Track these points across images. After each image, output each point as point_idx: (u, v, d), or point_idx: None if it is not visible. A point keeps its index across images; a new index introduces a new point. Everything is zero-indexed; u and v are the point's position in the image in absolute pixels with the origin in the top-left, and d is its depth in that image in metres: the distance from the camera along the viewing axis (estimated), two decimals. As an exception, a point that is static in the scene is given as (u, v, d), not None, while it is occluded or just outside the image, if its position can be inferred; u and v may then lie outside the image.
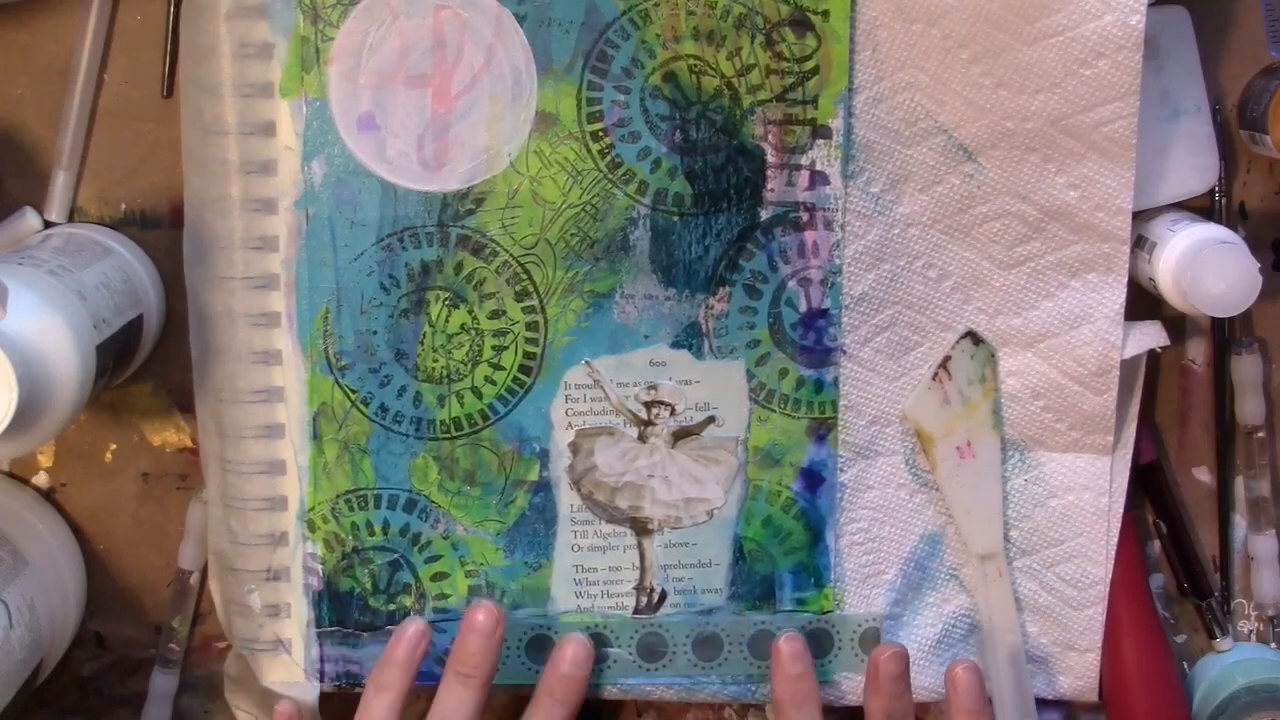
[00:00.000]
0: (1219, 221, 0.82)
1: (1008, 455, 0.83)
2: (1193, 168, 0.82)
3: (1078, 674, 0.84)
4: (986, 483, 0.83)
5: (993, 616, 0.84)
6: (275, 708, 0.80)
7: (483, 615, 0.79)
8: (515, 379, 0.81)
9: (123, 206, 0.83)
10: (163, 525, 0.86)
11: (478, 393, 0.81)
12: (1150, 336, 0.81)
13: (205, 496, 0.83)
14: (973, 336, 0.82)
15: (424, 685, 0.82)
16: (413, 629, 0.79)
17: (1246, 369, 0.84)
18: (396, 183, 0.79)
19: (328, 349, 0.80)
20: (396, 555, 0.82)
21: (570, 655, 0.81)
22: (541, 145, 0.79)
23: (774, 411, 0.81)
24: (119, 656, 0.87)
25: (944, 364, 0.82)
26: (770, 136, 0.79)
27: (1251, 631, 0.87)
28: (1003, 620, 0.84)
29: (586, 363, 0.81)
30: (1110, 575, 0.83)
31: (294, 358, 0.80)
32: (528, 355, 0.81)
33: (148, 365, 0.84)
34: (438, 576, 0.82)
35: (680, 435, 0.82)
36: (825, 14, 0.77)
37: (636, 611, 0.83)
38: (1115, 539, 0.83)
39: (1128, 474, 0.83)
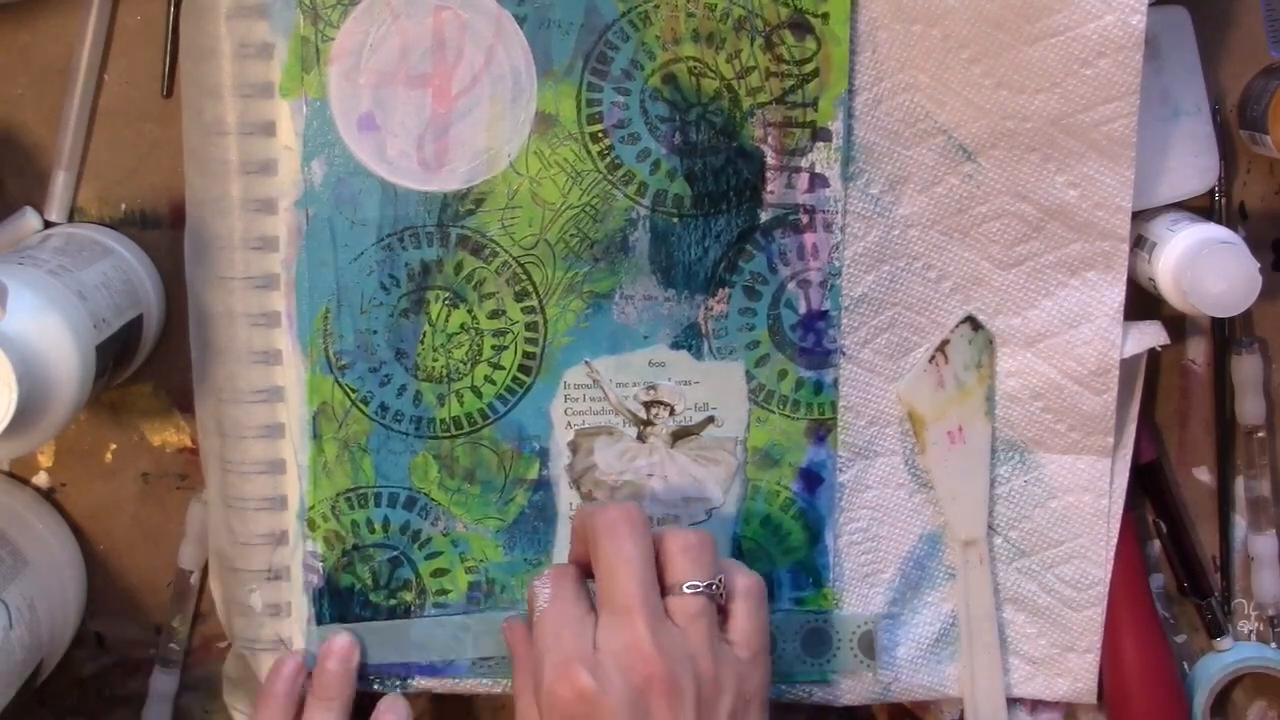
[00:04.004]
0: (1219, 221, 0.82)
1: (1007, 456, 0.83)
2: (1193, 168, 0.82)
3: (1076, 675, 0.84)
4: (975, 469, 0.83)
5: (971, 603, 0.84)
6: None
7: (340, 642, 0.81)
8: (515, 378, 0.81)
9: (123, 206, 0.84)
10: (163, 525, 0.86)
11: (477, 392, 0.81)
12: (1150, 335, 0.81)
13: (205, 496, 0.83)
14: (972, 322, 0.82)
15: (434, 679, 0.83)
16: (291, 663, 0.81)
17: (1246, 369, 0.84)
18: (396, 183, 0.79)
19: (328, 348, 0.80)
20: (397, 552, 0.82)
21: (337, 650, 0.81)
22: (541, 146, 0.79)
23: (773, 412, 0.81)
24: (119, 656, 0.87)
25: (941, 348, 0.82)
26: (770, 139, 0.79)
27: (1251, 631, 0.87)
28: (981, 608, 0.84)
29: (586, 363, 0.81)
30: (1110, 576, 0.83)
31: (294, 357, 0.80)
32: (527, 355, 0.81)
33: (148, 365, 0.84)
34: (438, 573, 0.82)
35: (679, 435, 0.82)
36: (825, 16, 0.77)
37: (636, 611, 0.83)
38: (1115, 540, 0.83)
39: (1128, 474, 0.83)
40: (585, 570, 0.75)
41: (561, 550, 0.82)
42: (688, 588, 0.72)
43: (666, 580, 0.72)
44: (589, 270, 0.80)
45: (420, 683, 0.83)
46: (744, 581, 0.75)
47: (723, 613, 0.74)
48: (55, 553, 0.84)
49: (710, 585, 0.72)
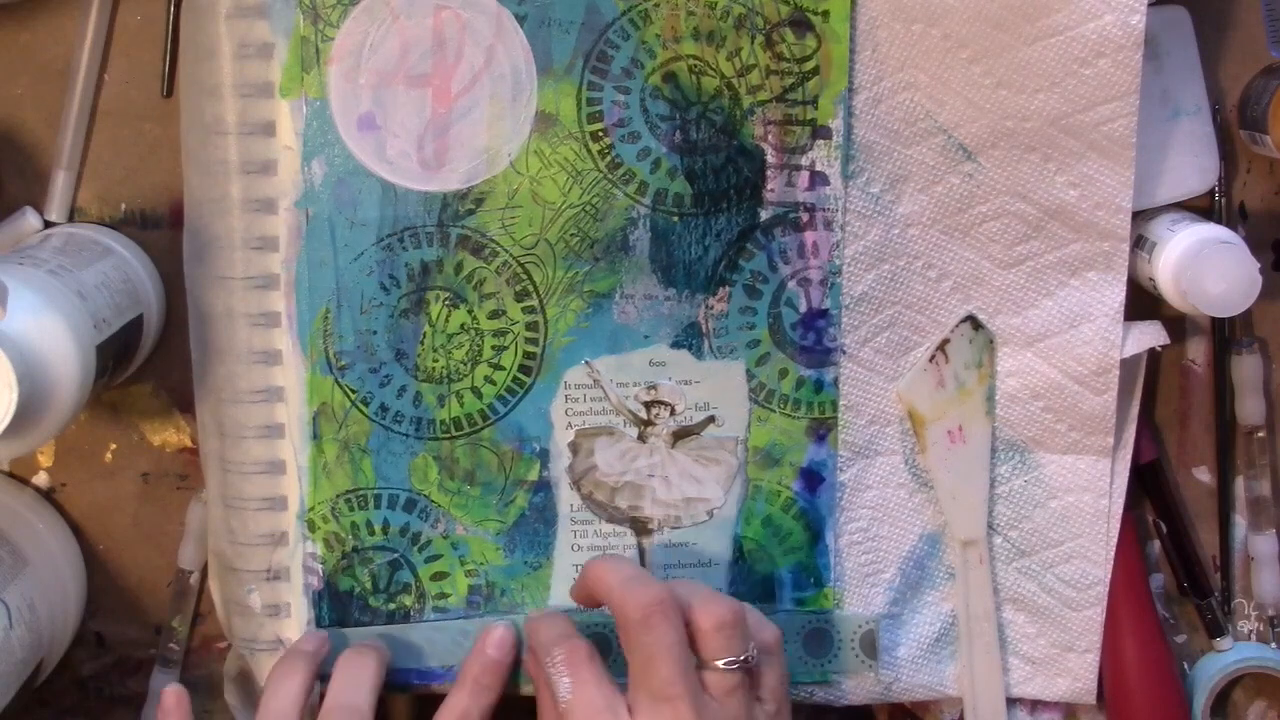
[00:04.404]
0: (1219, 221, 0.82)
1: (1007, 456, 0.83)
2: (1193, 168, 0.82)
3: (1076, 675, 0.84)
4: (975, 469, 0.83)
5: (971, 604, 0.84)
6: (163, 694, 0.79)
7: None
8: (515, 379, 0.81)
9: (123, 206, 0.84)
10: (163, 525, 0.86)
11: (478, 392, 0.81)
12: (1150, 335, 0.81)
13: (205, 496, 0.83)
14: (972, 321, 0.82)
15: (433, 685, 0.83)
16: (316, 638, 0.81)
17: (1246, 369, 0.84)
18: (396, 183, 0.79)
19: (328, 349, 0.80)
20: (396, 555, 0.82)
21: (496, 639, 0.80)
22: (541, 145, 0.79)
23: (774, 411, 0.81)
24: (119, 656, 0.87)
25: (942, 347, 0.82)
26: (770, 137, 0.79)
27: (1251, 631, 0.87)
28: (981, 608, 0.84)
29: (586, 363, 0.81)
30: (1110, 576, 0.83)
31: (294, 358, 0.80)
32: (527, 355, 0.81)
33: (148, 365, 0.84)
34: (438, 576, 0.82)
35: (680, 435, 0.82)
36: (825, 14, 0.77)
37: (637, 611, 0.83)
38: (1115, 540, 0.83)
39: (1127, 474, 0.83)
40: (584, 605, 0.77)
41: (561, 552, 0.82)
42: (724, 663, 0.72)
43: (701, 654, 0.72)
44: (589, 270, 0.80)
45: (419, 687, 0.83)
46: (767, 638, 0.75)
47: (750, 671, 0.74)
48: (55, 553, 0.84)
49: (746, 658, 0.72)
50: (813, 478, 0.82)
